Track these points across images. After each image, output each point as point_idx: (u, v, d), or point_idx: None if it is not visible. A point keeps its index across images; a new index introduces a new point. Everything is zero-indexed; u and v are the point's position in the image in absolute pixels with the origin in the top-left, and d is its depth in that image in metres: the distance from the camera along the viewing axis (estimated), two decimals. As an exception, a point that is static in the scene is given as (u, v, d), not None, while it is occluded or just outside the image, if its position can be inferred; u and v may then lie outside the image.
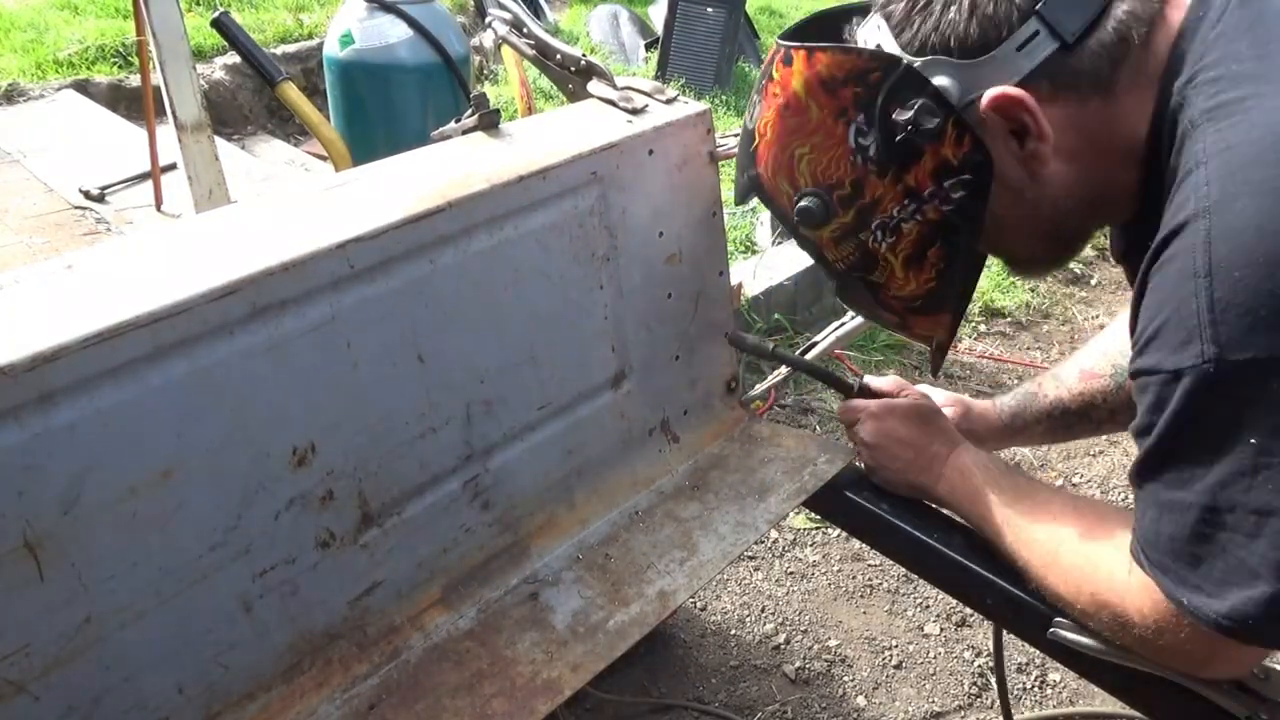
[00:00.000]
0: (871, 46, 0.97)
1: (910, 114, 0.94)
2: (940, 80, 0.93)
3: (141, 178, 3.03)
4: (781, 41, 1.02)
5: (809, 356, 1.47)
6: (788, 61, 1.01)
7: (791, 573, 2.57)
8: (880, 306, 1.16)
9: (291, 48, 4.82)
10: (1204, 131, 0.84)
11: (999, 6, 0.91)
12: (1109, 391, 1.34)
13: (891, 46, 0.95)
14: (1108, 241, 1.14)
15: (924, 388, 1.41)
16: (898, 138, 0.96)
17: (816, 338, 1.52)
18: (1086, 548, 1.01)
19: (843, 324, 1.47)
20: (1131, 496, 0.92)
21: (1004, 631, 1.31)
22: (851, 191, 1.03)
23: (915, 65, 0.94)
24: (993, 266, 4.26)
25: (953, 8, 0.92)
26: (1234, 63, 0.85)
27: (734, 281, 1.44)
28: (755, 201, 1.15)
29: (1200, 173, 0.82)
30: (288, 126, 4.65)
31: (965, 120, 0.94)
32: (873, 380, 1.40)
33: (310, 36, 4.95)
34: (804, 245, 1.14)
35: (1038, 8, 0.90)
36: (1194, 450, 0.83)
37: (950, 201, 0.99)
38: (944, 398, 1.42)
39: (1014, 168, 0.97)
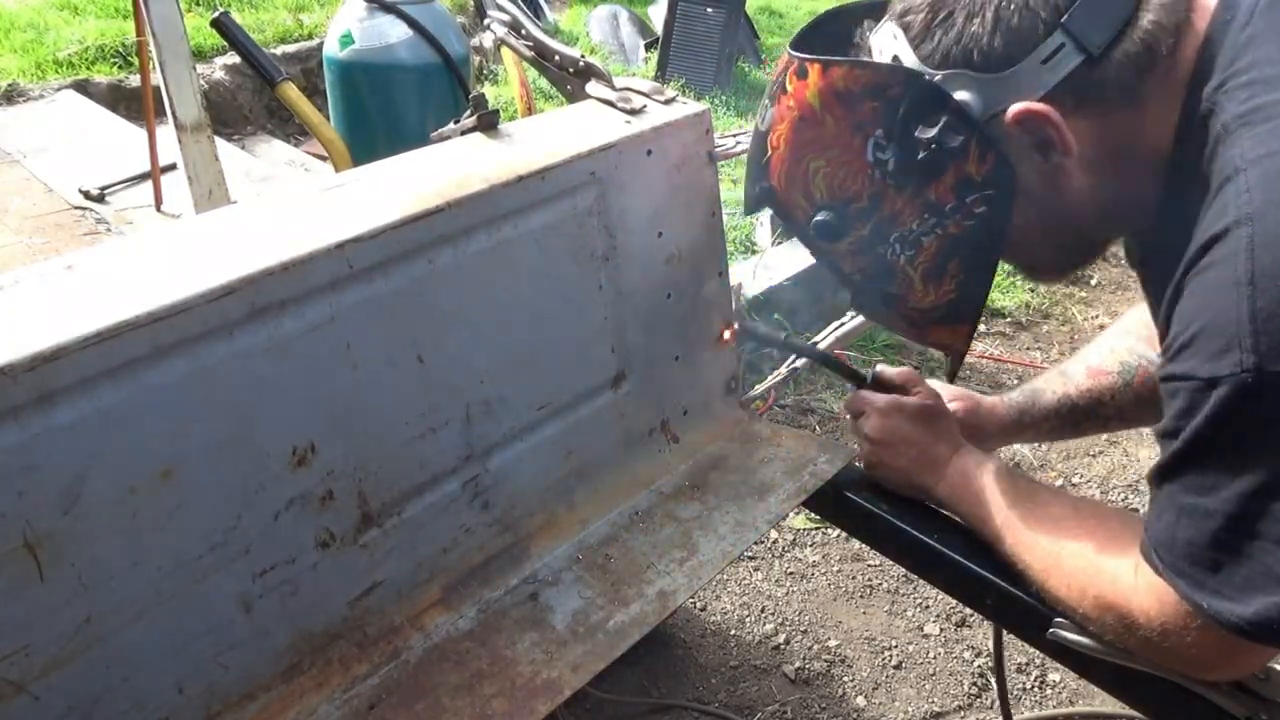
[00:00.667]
0: (888, 58, 0.95)
1: (934, 132, 0.93)
2: (962, 95, 0.92)
3: (141, 178, 3.03)
4: (795, 53, 0.99)
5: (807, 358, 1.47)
6: (802, 74, 0.98)
7: (791, 573, 2.58)
8: (897, 317, 1.14)
9: (291, 48, 4.83)
10: (1239, 137, 0.83)
11: (1023, 19, 0.89)
12: (1117, 389, 1.33)
13: (910, 59, 0.94)
14: (1116, 245, 1.13)
15: (933, 383, 1.40)
16: (920, 155, 0.95)
17: (817, 338, 1.52)
18: (1089, 551, 1.00)
19: (842, 324, 1.47)
20: (1132, 498, 0.92)
21: (1004, 632, 1.31)
22: (869, 205, 1.01)
23: (936, 79, 0.92)
24: (993, 266, 4.20)
25: (975, 20, 0.91)
26: (1267, 66, 0.84)
27: (734, 281, 1.44)
28: (754, 202, 1.14)
29: (1240, 179, 0.81)
30: (288, 126, 4.65)
31: (988, 135, 0.93)
32: (886, 370, 1.39)
33: (310, 36, 4.95)
34: (820, 257, 1.13)
35: (1063, 20, 0.88)
36: (1223, 458, 0.82)
37: (972, 216, 0.98)
38: (950, 392, 1.40)
39: (1037, 181, 0.96)
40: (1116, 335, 1.38)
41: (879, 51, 0.97)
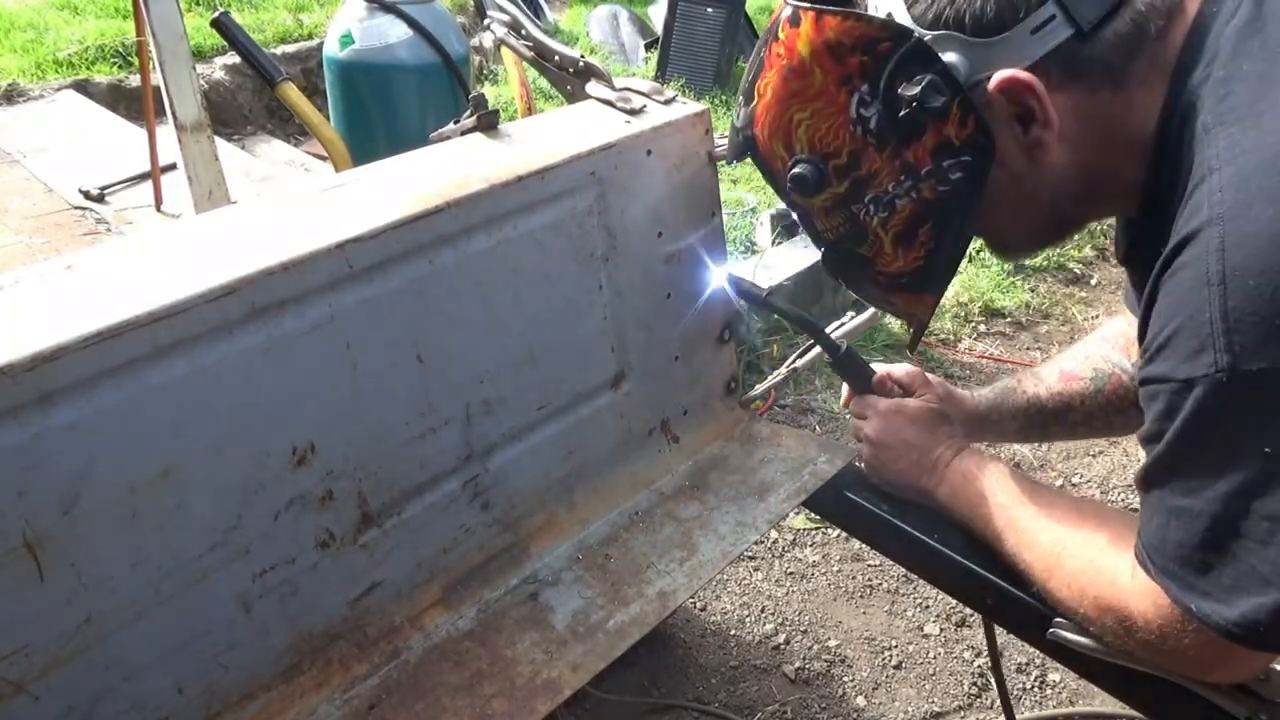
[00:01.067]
0: (883, 14, 0.94)
1: (916, 90, 0.92)
2: (950, 57, 0.91)
3: (141, 178, 3.03)
4: (790, 0, 0.98)
5: (808, 358, 1.47)
6: (795, 22, 0.97)
7: (791, 573, 2.58)
8: (865, 280, 1.14)
9: (291, 48, 4.83)
10: (1216, 136, 0.83)
11: None
12: (1087, 395, 1.33)
13: (903, 17, 0.93)
14: (1111, 243, 1.13)
15: (904, 367, 1.39)
16: (901, 112, 0.94)
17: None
18: (1089, 553, 1.00)
19: (842, 324, 1.47)
20: (1132, 498, 0.92)
21: (1003, 630, 1.31)
22: (848, 162, 1.00)
23: (926, 39, 0.91)
24: (993, 266, 4.24)
25: None
26: (1246, 62, 0.84)
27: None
28: (754, 201, 1.14)
29: (1213, 179, 0.81)
30: (288, 126, 4.65)
31: (971, 100, 0.92)
32: (893, 370, 1.37)
33: (310, 36, 4.96)
34: (794, 211, 1.12)
35: None
36: (1205, 459, 0.83)
37: (947, 182, 0.97)
38: (915, 375, 1.38)
39: (1016, 153, 0.95)
40: (1093, 342, 1.38)
41: (874, 7, 0.95)
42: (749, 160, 1.11)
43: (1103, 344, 1.36)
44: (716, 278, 1.37)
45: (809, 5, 0.96)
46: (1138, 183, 0.96)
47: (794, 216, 1.15)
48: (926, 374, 1.38)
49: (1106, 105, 0.92)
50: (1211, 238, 0.79)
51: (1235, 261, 0.77)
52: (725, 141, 1.24)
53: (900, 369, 1.38)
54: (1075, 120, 0.93)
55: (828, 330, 1.38)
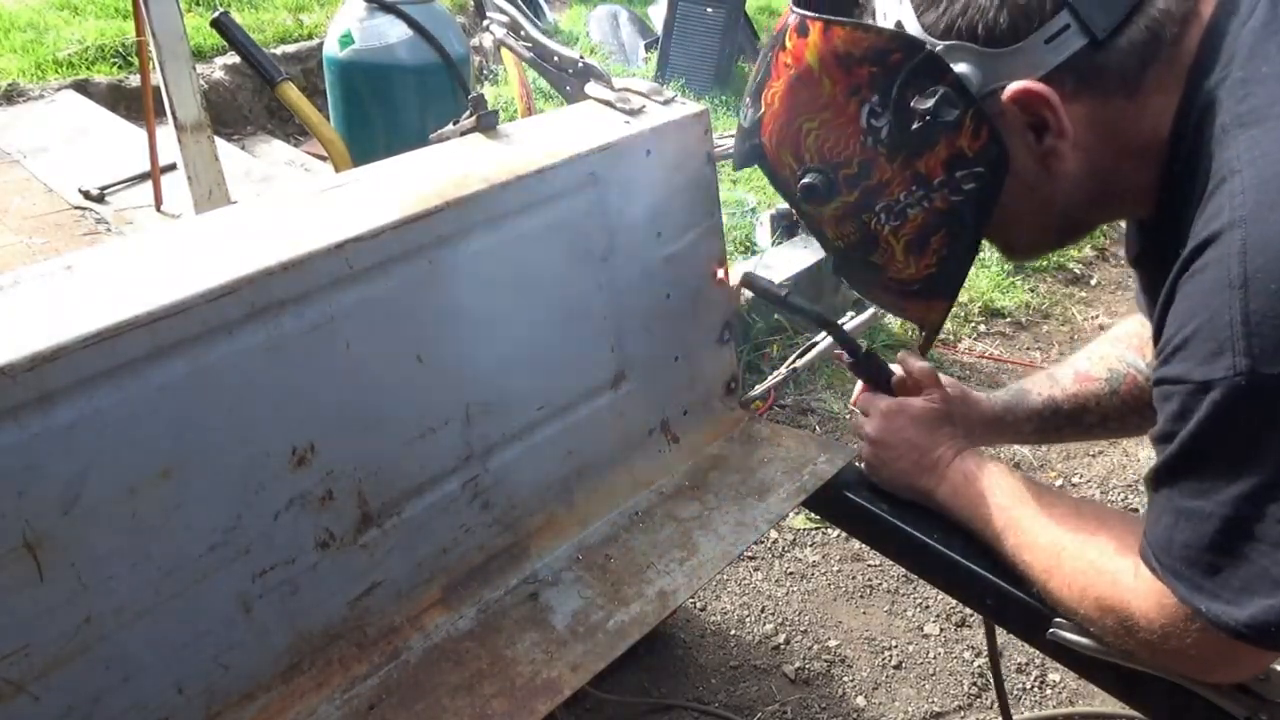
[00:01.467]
0: (891, 24, 0.93)
1: (930, 103, 0.91)
2: (961, 68, 0.90)
3: (141, 178, 3.03)
4: (797, 9, 0.97)
5: (808, 358, 1.47)
6: (803, 32, 0.96)
7: (791, 573, 2.58)
8: (876, 287, 1.13)
9: (291, 48, 4.83)
10: (1235, 138, 0.82)
11: None
12: (1102, 396, 1.33)
13: (914, 27, 0.91)
14: (1111, 243, 1.13)
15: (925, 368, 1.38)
16: (913, 125, 0.93)
17: (816, 338, 1.52)
18: (1090, 553, 1.00)
19: (842, 324, 1.47)
20: (1132, 498, 0.92)
21: (1003, 630, 1.31)
22: (858, 172, 1.00)
23: (938, 50, 0.90)
24: (993, 266, 4.24)
25: None
26: (1264, 63, 0.84)
27: (733, 282, 1.44)
28: (754, 202, 1.14)
29: (1234, 181, 0.80)
30: (288, 126, 4.65)
31: (984, 112, 0.91)
32: (909, 362, 1.35)
33: (310, 36, 4.95)
34: (804, 220, 1.12)
35: (1070, 0, 0.87)
36: (1218, 461, 0.82)
37: (960, 192, 0.97)
38: (931, 376, 1.38)
39: (1029, 162, 0.95)
40: (1107, 343, 1.38)
41: (883, 15, 0.94)
42: None
43: (1117, 344, 1.35)
44: (735, 276, 1.37)
45: (816, 15, 0.95)
46: (1152, 186, 0.95)
47: (796, 217, 1.16)
48: (939, 374, 1.37)
49: (1121, 112, 0.91)
50: (1233, 240, 0.78)
51: (1258, 265, 0.76)
52: (725, 142, 1.24)
53: (916, 367, 1.37)
54: (1089, 128, 0.92)
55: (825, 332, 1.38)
